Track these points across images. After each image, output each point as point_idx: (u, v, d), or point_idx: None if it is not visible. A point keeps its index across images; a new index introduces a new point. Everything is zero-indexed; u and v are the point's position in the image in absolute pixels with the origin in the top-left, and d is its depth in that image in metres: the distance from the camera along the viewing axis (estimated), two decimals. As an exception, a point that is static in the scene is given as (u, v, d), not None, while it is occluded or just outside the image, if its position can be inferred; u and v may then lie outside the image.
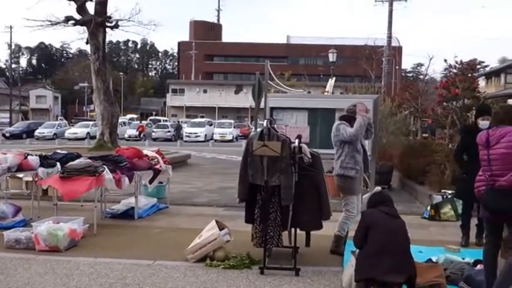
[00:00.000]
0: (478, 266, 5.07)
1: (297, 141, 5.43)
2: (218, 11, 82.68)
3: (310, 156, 5.65)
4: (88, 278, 5.09)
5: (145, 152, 8.70)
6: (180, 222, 7.96)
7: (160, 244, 6.51)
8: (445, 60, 11.77)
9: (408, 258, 4.45)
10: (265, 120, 5.58)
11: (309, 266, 5.50)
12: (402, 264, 4.36)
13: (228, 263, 5.43)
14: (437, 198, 8.69)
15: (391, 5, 27.23)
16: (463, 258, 5.55)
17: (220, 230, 5.65)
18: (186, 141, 35.68)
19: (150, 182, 8.52)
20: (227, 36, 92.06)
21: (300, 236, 5.72)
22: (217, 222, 5.78)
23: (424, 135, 16.75)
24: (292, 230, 5.65)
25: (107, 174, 6.97)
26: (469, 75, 11.15)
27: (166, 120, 47.44)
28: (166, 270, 5.36)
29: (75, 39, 31.49)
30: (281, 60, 60.66)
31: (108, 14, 18.59)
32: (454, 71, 11.13)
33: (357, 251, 4.65)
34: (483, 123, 6.11)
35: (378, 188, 9.46)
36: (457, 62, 11.08)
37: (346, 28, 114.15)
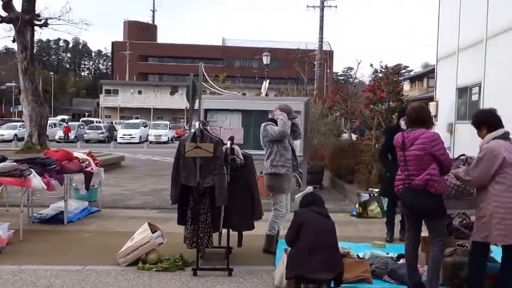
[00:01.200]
0: (401, 260, 5.32)
1: (229, 142, 5.51)
2: (153, 11, 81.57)
3: (242, 158, 5.75)
4: (12, 287, 4.89)
5: (75, 154, 8.44)
6: (113, 226, 7.80)
7: (91, 249, 6.36)
8: (371, 65, 12.36)
9: (337, 256, 4.63)
10: (198, 122, 5.60)
11: (242, 265, 5.57)
12: (332, 262, 4.52)
13: (160, 266, 5.40)
14: (365, 197, 9.05)
15: (322, 10, 28.16)
16: (388, 253, 5.81)
17: (153, 232, 5.61)
18: (120, 143, 34.83)
19: (86, 187, 8.26)
20: (162, 37, 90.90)
21: (234, 236, 5.80)
22: (149, 224, 5.74)
23: (353, 135, 17.43)
24: (225, 230, 5.72)
25: (34, 178, 6.71)
26: (394, 79, 11.76)
27: (99, 122, 46.03)
28: (96, 275, 5.25)
29: (1, 37, 29.88)
30: (217, 62, 60.69)
31: (37, 12, 17.87)
32: (380, 75, 11.69)
33: (289, 249, 4.79)
34: (403, 123, 6.51)
35: (310, 188, 9.76)
36: (382, 67, 11.65)
37: (280, 32, 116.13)
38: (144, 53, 69.02)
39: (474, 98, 13.72)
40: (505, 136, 4.52)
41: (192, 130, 6.49)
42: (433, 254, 4.69)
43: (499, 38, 12.42)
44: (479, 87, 13.31)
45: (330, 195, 11.05)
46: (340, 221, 8.31)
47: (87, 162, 8.32)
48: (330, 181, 12.98)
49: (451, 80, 15.39)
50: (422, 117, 4.70)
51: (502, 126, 4.59)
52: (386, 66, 11.48)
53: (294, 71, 27.52)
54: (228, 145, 5.52)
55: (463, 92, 14.67)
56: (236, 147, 5.73)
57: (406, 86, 43.89)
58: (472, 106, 13.27)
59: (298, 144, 10.16)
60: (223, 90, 12.10)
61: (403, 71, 18.50)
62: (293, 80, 27.72)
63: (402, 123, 6.62)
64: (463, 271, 4.91)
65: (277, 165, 6.05)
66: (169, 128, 40.98)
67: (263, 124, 6.21)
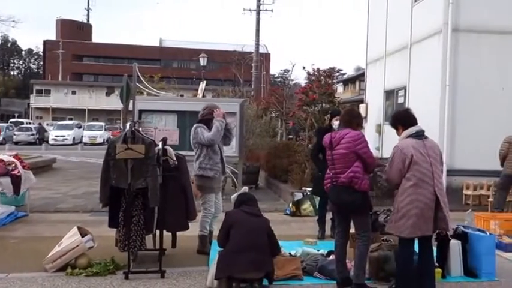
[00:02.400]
0: (331, 256, 5.50)
1: (160, 143, 5.49)
2: (88, 10, 79.04)
3: (175, 159, 5.74)
4: None
5: (0, 156, 8.07)
6: (41, 231, 7.52)
7: (16, 255, 6.10)
8: (304, 68, 12.67)
9: (266, 255, 4.72)
10: (128, 123, 5.53)
11: (176, 267, 5.57)
12: (261, 261, 4.61)
13: (90, 270, 5.29)
14: (298, 196, 9.28)
15: (258, 14, 28.55)
16: (318, 250, 6.01)
17: (83, 236, 5.48)
18: (52, 145, 33.61)
19: (16, 192, 7.88)
20: (98, 37, 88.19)
21: (168, 238, 5.78)
22: (79, 228, 5.60)
23: (289, 136, 17.79)
24: (158, 232, 5.68)
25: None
26: (330, 81, 12.14)
27: (30, 123, 44.00)
28: (21, 283, 5.04)
29: None
30: (154, 63, 59.68)
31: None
32: (312, 78, 12.03)
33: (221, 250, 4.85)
34: (336, 122, 6.76)
35: (245, 188, 9.83)
36: (314, 70, 11.98)
37: (218, 34, 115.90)
38: (78, 53, 66.63)
39: (400, 100, 14.40)
40: (418, 134, 4.81)
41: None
42: (358, 250, 4.91)
43: (421, 43, 13.13)
44: (405, 90, 13.99)
45: (265, 195, 11.24)
46: (274, 220, 8.41)
47: (13, 165, 7.97)
48: (265, 181, 13.18)
49: (379, 83, 16.06)
50: (352, 119, 4.97)
51: (416, 124, 4.88)
52: (318, 69, 11.85)
53: (231, 73, 27.62)
54: (160, 146, 5.49)
55: (390, 94, 15.36)
56: (169, 149, 5.71)
57: (340, 88, 45.29)
58: (398, 108, 13.89)
59: (233, 145, 10.28)
60: (157, 91, 11.96)
61: (337, 74, 19.14)
62: (230, 81, 27.81)
63: (334, 123, 6.87)
64: (387, 265, 5.18)
65: (205, 167, 6.09)
66: (105, 129, 39.97)
67: (194, 125, 6.21)
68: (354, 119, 5.01)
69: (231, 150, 9.97)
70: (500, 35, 11.86)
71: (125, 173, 5.25)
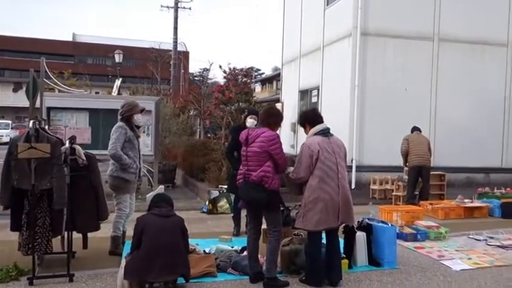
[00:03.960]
0: (245, 252, 5.57)
1: (67, 142, 5.28)
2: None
3: (84, 158, 5.54)
4: None
5: None
6: None
7: None
8: (220, 67, 12.74)
9: (179, 256, 4.67)
10: (31, 121, 5.25)
11: (86, 270, 5.38)
12: (175, 264, 4.56)
13: (-10, 278, 4.97)
14: (215, 193, 9.35)
15: (176, 11, 28.21)
16: (232, 247, 6.08)
17: (-18, 241, 5.14)
18: (-50, 145, 30.92)
19: None
20: (2, 29, 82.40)
21: (78, 240, 5.58)
22: (-23, 233, 5.25)
23: (208, 134, 17.80)
24: (68, 234, 5.46)
25: None
26: (247, 81, 12.28)
27: None
28: None
29: None
30: (67, 58, 56.89)
31: None
32: (229, 77, 12.13)
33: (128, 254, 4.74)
34: (249, 121, 6.87)
35: (162, 187, 9.75)
36: (230, 69, 12.08)
37: (135, 30, 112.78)
38: (-22, 45, 61.89)
39: (314, 99, 14.93)
40: (324, 132, 5.05)
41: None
42: (270, 245, 5.04)
43: (333, 45, 13.70)
44: (318, 90, 14.52)
45: (182, 194, 11.18)
46: (191, 218, 8.47)
47: None
48: (182, 179, 13.09)
49: (294, 83, 16.53)
50: (269, 118, 5.07)
51: (322, 122, 5.11)
52: (234, 68, 11.96)
53: (148, 71, 27.09)
54: (67, 145, 5.28)
55: (304, 94, 15.86)
56: (77, 147, 5.50)
57: (258, 87, 45.95)
58: (312, 107, 14.39)
59: (149, 143, 10.13)
60: (67, 88, 11.46)
61: (255, 73, 19.41)
62: (148, 79, 27.26)
63: (248, 120, 6.98)
64: (298, 258, 5.35)
65: (123, 169, 5.93)
66: (12, 128, 37.52)
67: (117, 125, 6.00)
68: (271, 118, 5.10)
69: (146, 148, 9.84)
70: (404, 39, 12.68)
71: (28, 174, 4.97)
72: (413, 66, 12.75)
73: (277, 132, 5.13)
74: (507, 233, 7.52)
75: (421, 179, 9.84)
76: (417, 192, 9.94)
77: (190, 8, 29.57)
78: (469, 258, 6.10)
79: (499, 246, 6.74)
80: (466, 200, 9.41)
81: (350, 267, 5.61)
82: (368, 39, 12.45)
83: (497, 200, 9.59)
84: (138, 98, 11.31)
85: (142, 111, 6.25)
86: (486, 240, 7.08)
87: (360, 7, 12.24)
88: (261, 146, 4.87)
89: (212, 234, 7.25)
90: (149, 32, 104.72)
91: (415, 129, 10.24)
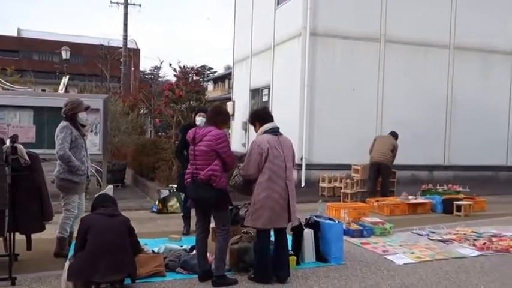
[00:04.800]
0: (194, 251, 5.54)
1: (8, 141, 5.09)
2: None
3: (27, 158, 5.36)
4: None
5: None
6: None
7: None
8: (170, 65, 12.63)
9: (125, 255, 4.60)
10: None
11: (30, 272, 5.22)
12: (120, 263, 4.48)
13: None
14: (165, 193, 9.28)
15: (126, 8, 27.68)
16: (182, 246, 6.06)
17: None
18: None
19: None
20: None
21: (22, 242, 5.39)
22: None
23: (159, 133, 17.60)
24: (10, 236, 5.26)
25: None
26: (199, 79, 12.23)
27: None
28: None
29: None
30: (11, 54, 54.58)
31: None
32: (179, 75, 12.04)
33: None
34: (198, 119, 6.86)
35: (110, 187, 9.55)
36: (180, 67, 12.00)
37: (84, 26, 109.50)
38: None
39: (265, 98, 15.06)
40: (273, 131, 5.13)
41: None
42: (218, 243, 5.05)
43: (283, 45, 13.86)
44: (269, 89, 14.66)
45: (132, 193, 11.02)
46: (140, 218, 8.39)
47: None
48: (132, 179, 12.90)
49: (246, 82, 16.61)
50: (217, 117, 5.05)
51: (272, 121, 5.19)
52: (184, 66, 11.90)
53: (97, 68, 26.43)
54: (8, 144, 5.09)
55: (255, 93, 15.96)
56: (19, 146, 5.30)
57: (210, 86, 45.83)
58: (263, 106, 14.50)
59: (97, 142, 9.91)
60: (10, 85, 11.03)
61: (208, 72, 19.36)
62: (96, 77, 26.59)
63: (197, 119, 6.96)
64: (247, 256, 5.40)
65: (71, 171, 5.78)
66: (-50, 127, 35.46)
67: (61, 125, 5.82)
68: (218, 117, 5.10)
69: (94, 148, 9.62)
70: (352, 40, 13.00)
71: (-37, 174, 4.76)
72: (361, 66, 13.09)
73: (225, 130, 5.15)
74: (448, 227, 7.87)
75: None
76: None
77: (140, 5, 29.04)
78: (412, 253, 6.34)
79: (440, 240, 7.03)
80: (410, 197, 9.76)
81: (298, 263, 5.71)
82: (317, 40, 12.68)
83: (439, 196, 10.02)
84: (86, 96, 11.06)
85: (87, 109, 6.10)
86: (428, 235, 7.37)
87: (309, 8, 12.44)
88: (209, 144, 4.88)
89: (162, 233, 7.19)
90: (98, 28, 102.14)
91: (391, 133, 10.81)
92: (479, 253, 6.38)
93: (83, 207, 6.22)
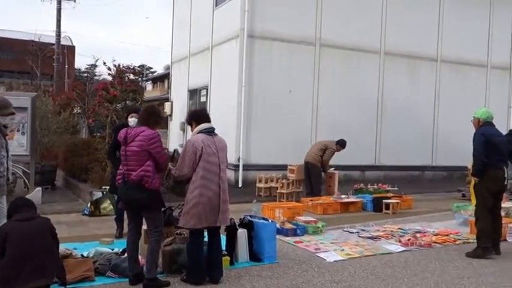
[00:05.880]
0: (126, 254, 5.46)
1: None
2: None
3: None
4: None
5: None
6: None
7: None
8: (104, 63, 12.31)
9: (50, 259, 4.41)
10: None
11: None
12: (44, 266, 4.30)
13: None
14: (98, 195, 9.01)
15: (59, 3, 26.66)
16: (113, 249, 5.90)
17: None
18: None
19: None
20: None
21: None
22: None
23: (94, 134, 17.08)
24: None
25: None
26: (136, 78, 11.96)
27: None
28: None
29: None
30: None
31: None
32: (113, 74, 11.76)
33: None
34: (130, 120, 6.75)
35: (39, 189, 9.18)
36: (115, 66, 11.72)
37: (14, 21, 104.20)
38: None
39: (203, 99, 15.02)
40: (208, 131, 5.15)
41: None
42: (150, 245, 4.99)
43: (221, 46, 13.89)
44: (207, 89, 14.63)
45: (63, 196, 10.64)
46: (71, 221, 8.13)
47: None
48: (63, 180, 12.47)
49: (184, 82, 16.50)
50: (149, 117, 4.99)
51: (208, 122, 5.21)
52: (119, 65, 11.63)
53: (28, 65, 25.27)
54: None
55: (193, 93, 15.89)
56: None
57: (149, 86, 45.05)
58: (201, 106, 14.45)
59: (24, 143, 9.48)
60: None
61: (147, 71, 19.00)
62: (27, 74, 25.41)
63: (129, 120, 6.85)
64: (180, 257, 5.37)
65: None
66: None
67: None
68: (151, 117, 5.04)
69: (21, 148, 9.21)
70: (289, 43, 13.24)
71: None
72: (297, 69, 13.36)
73: (157, 130, 5.10)
74: (377, 225, 8.20)
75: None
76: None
77: (75, 1, 28.08)
78: (342, 250, 6.55)
79: (369, 237, 7.32)
80: (342, 196, 10.07)
81: (232, 263, 5.75)
82: (255, 42, 12.81)
83: (369, 195, 10.41)
84: (13, 94, 10.54)
85: (10, 114, 5.75)
86: (358, 232, 7.65)
87: (247, 10, 12.53)
88: (141, 145, 4.82)
89: (93, 237, 7.00)
90: (29, 23, 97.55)
91: (338, 141, 11.04)
92: (404, 249, 6.71)
93: (4, 211, 5.90)
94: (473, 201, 7.36)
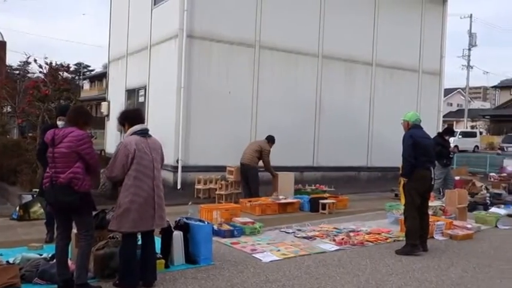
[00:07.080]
0: (55, 259, 5.29)
1: None
2: None
3: None
4: None
5: None
6: None
7: None
8: (35, 61, 11.83)
9: None
10: None
11: None
12: None
13: None
14: (27, 198, 8.65)
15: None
16: (41, 255, 5.66)
17: None
18: None
19: None
20: None
21: None
22: None
23: (25, 134, 16.35)
24: None
25: None
26: (71, 76, 11.52)
27: None
28: None
29: None
30: None
31: None
32: (44, 71, 11.31)
33: None
34: (60, 123, 6.50)
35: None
36: (47, 63, 11.28)
37: None
38: None
39: (141, 99, 14.73)
40: (142, 132, 5.04)
41: None
42: (80, 249, 4.82)
43: (160, 46, 13.68)
44: (145, 89, 14.37)
45: (-11, 200, 10.11)
46: (-2, 226, 7.73)
47: None
48: (-10, 184, 11.82)
49: (121, 81, 16.12)
50: (78, 117, 4.83)
51: (142, 123, 5.11)
52: (51, 62, 11.18)
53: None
54: None
55: (131, 93, 15.56)
56: None
57: (87, 85, 43.69)
58: (139, 106, 14.20)
59: None
60: None
61: (84, 70, 18.34)
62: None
63: (58, 123, 6.62)
64: (113, 261, 5.22)
65: None
66: None
67: None
68: (80, 117, 4.87)
69: None
70: (229, 44, 13.23)
71: None
72: (237, 70, 13.39)
73: (87, 131, 4.95)
74: (312, 225, 8.36)
75: None
76: None
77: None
78: (278, 250, 6.63)
79: (304, 237, 7.45)
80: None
81: (167, 266, 5.67)
82: (194, 42, 12.70)
83: (307, 195, 10.61)
84: None
85: None
86: (295, 232, 7.76)
87: (186, 9, 12.41)
88: (69, 146, 4.65)
89: (21, 242, 6.70)
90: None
91: (266, 137, 11.29)
92: (338, 248, 6.88)
93: None
94: (403, 200, 7.66)
